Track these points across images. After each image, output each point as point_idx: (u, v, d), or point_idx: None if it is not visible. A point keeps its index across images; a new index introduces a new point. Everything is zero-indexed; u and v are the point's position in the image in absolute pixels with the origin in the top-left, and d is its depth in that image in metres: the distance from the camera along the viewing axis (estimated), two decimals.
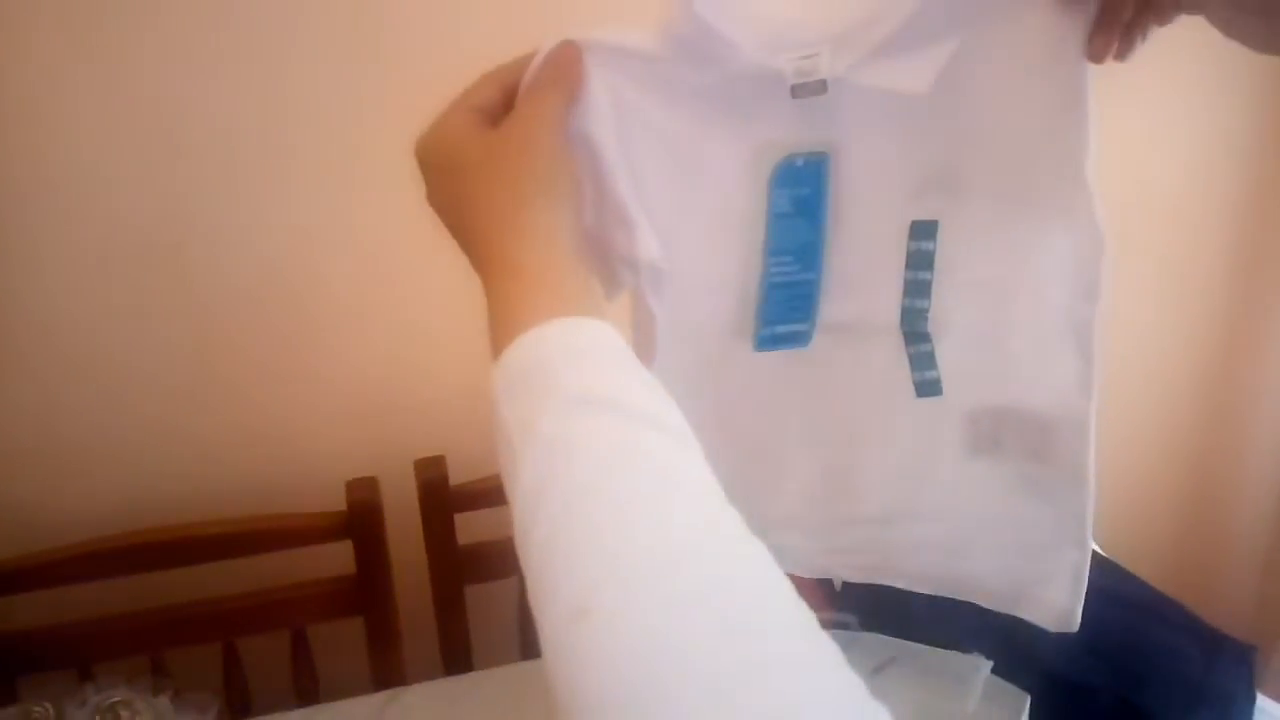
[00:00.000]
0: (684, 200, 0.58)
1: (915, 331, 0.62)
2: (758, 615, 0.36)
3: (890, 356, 0.63)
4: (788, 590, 0.37)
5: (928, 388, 0.63)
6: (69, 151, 1.10)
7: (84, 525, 1.10)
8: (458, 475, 1.16)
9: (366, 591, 1.14)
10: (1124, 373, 1.57)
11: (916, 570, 0.68)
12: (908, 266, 0.61)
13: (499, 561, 1.20)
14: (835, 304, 0.62)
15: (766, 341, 0.63)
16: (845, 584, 0.72)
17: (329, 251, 1.21)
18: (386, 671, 1.17)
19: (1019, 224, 0.59)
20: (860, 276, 0.62)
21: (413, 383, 1.28)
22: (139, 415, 1.20)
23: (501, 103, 0.53)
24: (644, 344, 0.59)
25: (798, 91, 0.54)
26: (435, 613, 1.19)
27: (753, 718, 0.31)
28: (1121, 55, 0.55)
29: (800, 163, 0.58)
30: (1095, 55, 0.54)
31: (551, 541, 0.39)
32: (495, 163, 0.50)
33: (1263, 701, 0.88)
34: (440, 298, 1.25)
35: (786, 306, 0.62)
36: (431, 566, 1.17)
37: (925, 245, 0.60)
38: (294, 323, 1.22)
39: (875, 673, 0.85)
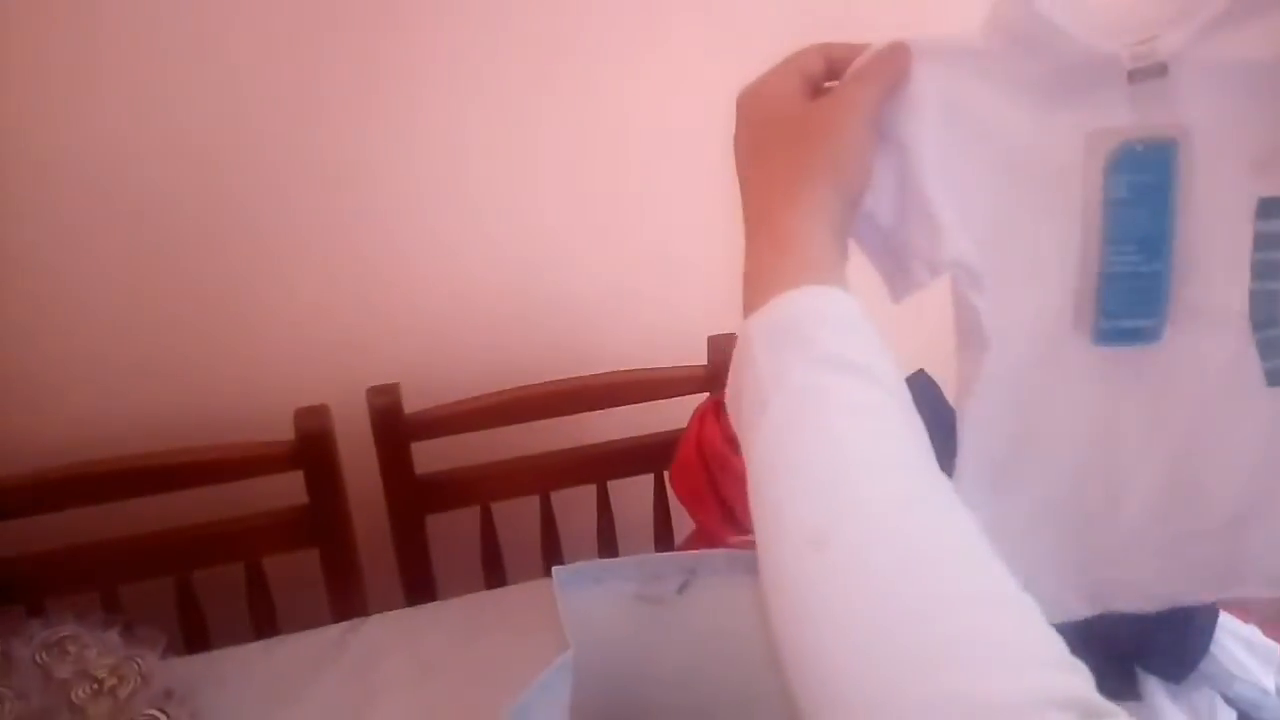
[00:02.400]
0: (1012, 196, 0.57)
1: (1266, 316, 0.59)
2: (981, 558, 0.39)
3: (1236, 346, 0.59)
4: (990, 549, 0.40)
5: (1279, 375, 0.60)
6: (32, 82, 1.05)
7: (24, 457, 1.07)
8: (413, 404, 1.13)
9: (321, 522, 1.12)
10: None
11: (1269, 573, 0.64)
12: (1256, 248, 0.58)
13: (460, 490, 1.18)
14: (1175, 295, 0.59)
15: (1108, 335, 0.60)
16: None
17: (280, 175, 1.16)
18: (346, 603, 1.15)
19: None
20: (1202, 263, 0.59)
21: (365, 311, 1.24)
22: (79, 344, 1.17)
23: (823, 76, 0.56)
24: (968, 345, 0.59)
25: (1135, 76, 0.54)
26: (394, 543, 1.17)
27: (986, 651, 0.35)
28: None
29: (1140, 149, 0.56)
30: None
31: (793, 477, 0.43)
32: (799, 132, 0.53)
33: (1225, 619, 0.86)
34: (395, 221, 1.21)
35: (1131, 299, 0.59)
36: (388, 496, 1.15)
37: (1275, 225, 0.57)
38: (241, 247, 1.18)
39: None
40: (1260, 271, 0.58)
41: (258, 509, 1.12)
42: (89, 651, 0.99)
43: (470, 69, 1.17)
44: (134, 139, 1.10)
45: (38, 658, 0.97)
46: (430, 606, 1.16)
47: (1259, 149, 0.56)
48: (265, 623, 1.14)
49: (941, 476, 0.43)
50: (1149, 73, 0.54)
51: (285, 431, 1.08)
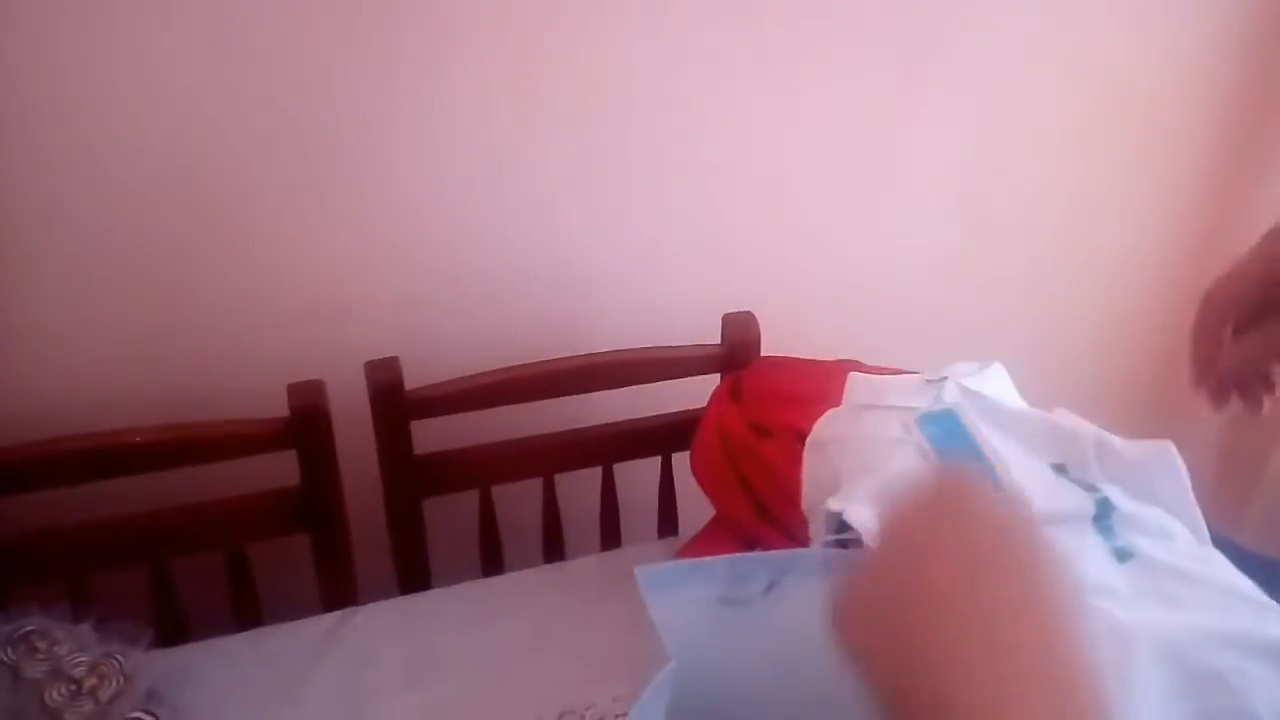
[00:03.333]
0: None
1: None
2: None
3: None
4: None
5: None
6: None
7: None
8: (413, 379, 1.06)
9: (313, 505, 1.04)
10: (1097, 284, 1.55)
11: None
12: None
13: (459, 472, 1.11)
14: None
15: None
16: None
17: (273, 144, 1.06)
18: (337, 591, 1.07)
19: None
20: None
21: (363, 279, 1.15)
22: (54, 316, 1.05)
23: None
24: None
25: None
26: (389, 528, 1.10)
27: None
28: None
29: None
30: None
31: None
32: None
33: None
34: (394, 188, 1.13)
35: None
36: (385, 478, 1.07)
37: None
38: (231, 211, 1.08)
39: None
40: None
41: (241, 491, 1.03)
42: (60, 648, 0.90)
43: (474, 36, 1.09)
44: (117, 114, 1.00)
45: (4, 655, 0.88)
46: (428, 595, 1.09)
47: None
48: (248, 613, 1.06)
49: None
50: None
51: (277, 409, 1.00)
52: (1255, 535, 1.31)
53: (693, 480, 1.10)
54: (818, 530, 0.83)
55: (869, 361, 1.03)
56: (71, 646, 0.90)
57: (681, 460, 1.15)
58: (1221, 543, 0.75)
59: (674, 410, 1.16)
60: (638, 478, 1.20)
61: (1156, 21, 1.38)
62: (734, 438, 1.04)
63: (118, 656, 0.90)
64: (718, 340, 1.15)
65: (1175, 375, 1.60)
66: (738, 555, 0.64)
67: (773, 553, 0.64)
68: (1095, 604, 0.66)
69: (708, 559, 0.64)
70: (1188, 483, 0.76)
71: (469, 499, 1.14)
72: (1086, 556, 0.72)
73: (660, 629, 0.59)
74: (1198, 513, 0.75)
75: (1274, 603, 0.70)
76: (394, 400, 1.04)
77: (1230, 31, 1.42)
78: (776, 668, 0.65)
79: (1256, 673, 0.66)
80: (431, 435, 1.09)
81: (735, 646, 0.65)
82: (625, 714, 0.89)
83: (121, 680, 0.88)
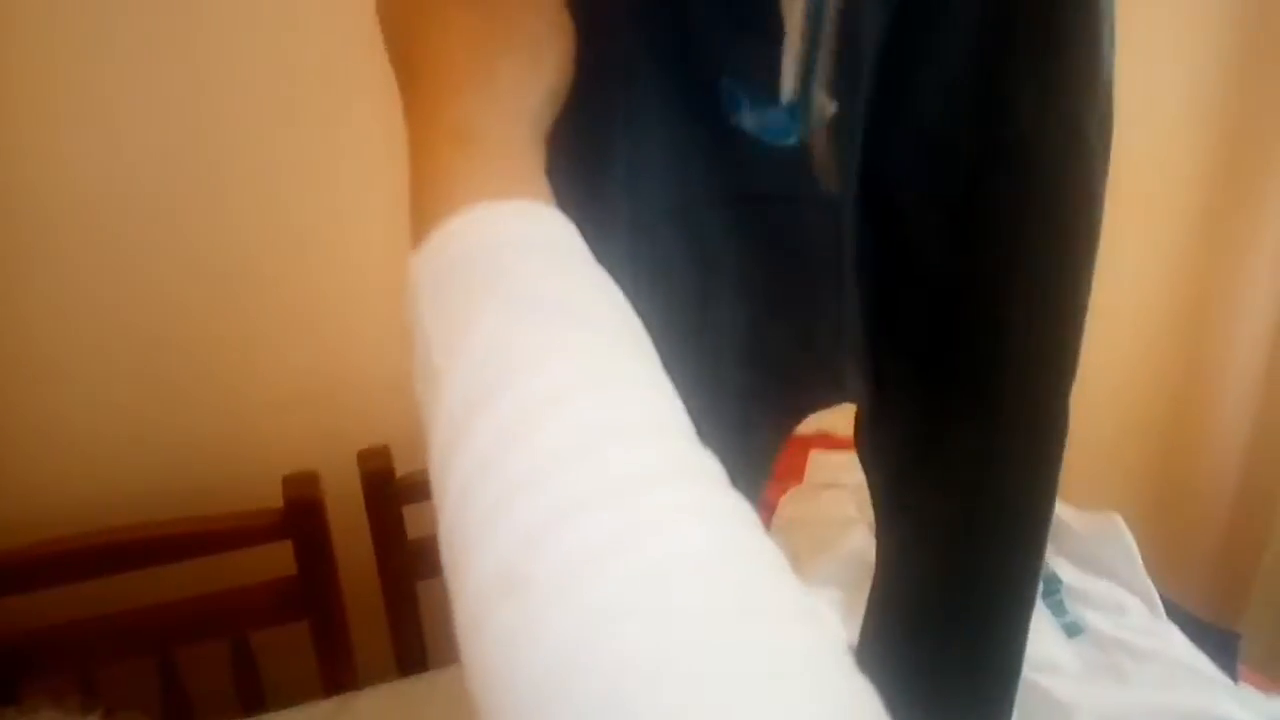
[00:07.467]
0: None
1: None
2: (737, 591, 0.27)
3: None
4: (771, 552, 0.28)
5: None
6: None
7: None
8: (404, 465, 1.10)
9: (311, 593, 1.07)
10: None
11: None
12: None
13: None
14: None
15: None
16: None
17: (260, 234, 1.12)
18: (337, 676, 1.10)
19: None
20: None
21: (351, 369, 1.20)
22: (52, 411, 1.11)
23: None
24: None
25: None
26: (386, 612, 1.12)
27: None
28: None
29: None
30: None
31: (476, 485, 0.29)
32: None
33: (1243, 689, 0.85)
34: (380, 273, 1.18)
35: None
36: (380, 563, 1.11)
37: None
38: (222, 306, 1.13)
39: None
40: None
41: (242, 581, 1.07)
42: None
43: None
44: (105, 199, 1.06)
45: None
46: (425, 677, 1.12)
47: None
48: (252, 699, 1.09)
49: (692, 450, 0.30)
50: None
51: (272, 499, 1.04)
52: (1255, 619, 1.27)
53: None
54: None
55: (842, 425, 1.04)
56: None
57: None
58: (1175, 612, 0.74)
59: None
60: None
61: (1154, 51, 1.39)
62: None
63: None
64: None
65: (1186, 455, 1.58)
66: None
67: None
68: (1039, 682, 0.66)
69: None
70: (1137, 554, 0.76)
71: None
72: (1036, 633, 0.71)
73: None
74: (1149, 584, 0.75)
75: (1225, 677, 0.69)
76: (386, 489, 1.08)
77: (1219, 57, 1.42)
78: None
79: None
80: (426, 516, 1.12)
81: None
82: None
83: None
